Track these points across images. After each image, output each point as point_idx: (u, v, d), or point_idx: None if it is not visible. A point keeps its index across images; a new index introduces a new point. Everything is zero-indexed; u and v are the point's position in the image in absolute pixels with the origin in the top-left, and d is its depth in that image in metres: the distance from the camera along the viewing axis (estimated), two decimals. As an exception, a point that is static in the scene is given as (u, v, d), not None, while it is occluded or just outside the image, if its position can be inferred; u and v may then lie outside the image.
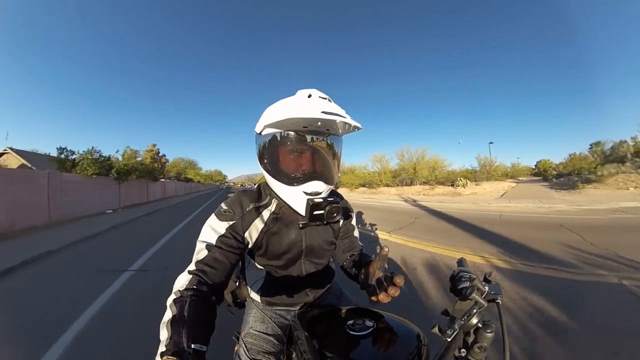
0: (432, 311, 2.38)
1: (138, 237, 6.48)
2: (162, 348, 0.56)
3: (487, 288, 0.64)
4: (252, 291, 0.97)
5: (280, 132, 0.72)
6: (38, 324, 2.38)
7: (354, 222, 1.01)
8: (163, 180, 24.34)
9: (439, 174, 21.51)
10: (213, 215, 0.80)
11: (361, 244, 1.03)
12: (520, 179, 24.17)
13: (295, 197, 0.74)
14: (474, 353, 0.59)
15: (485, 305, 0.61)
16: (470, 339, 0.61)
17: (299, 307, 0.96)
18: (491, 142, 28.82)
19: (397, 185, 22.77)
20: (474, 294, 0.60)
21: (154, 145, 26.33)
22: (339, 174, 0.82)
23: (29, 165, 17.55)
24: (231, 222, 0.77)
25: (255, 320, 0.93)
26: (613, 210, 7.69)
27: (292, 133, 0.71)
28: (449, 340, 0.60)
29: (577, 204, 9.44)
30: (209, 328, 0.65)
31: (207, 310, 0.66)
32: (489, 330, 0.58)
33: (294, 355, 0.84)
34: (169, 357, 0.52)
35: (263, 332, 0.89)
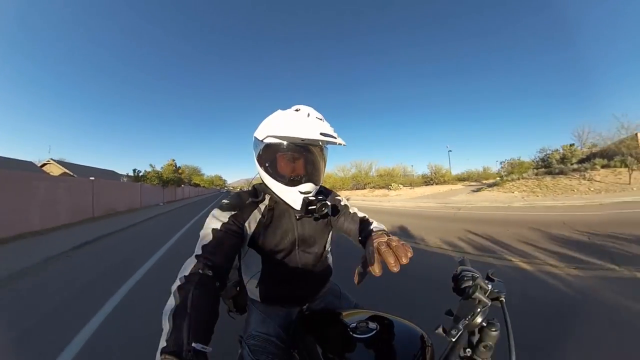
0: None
1: (184, 215, 12.66)
2: (162, 343, 0.57)
3: (490, 286, 0.63)
4: (250, 289, 0.97)
5: (281, 143, 0.84)
6: (160, 235, 7.29)
7: (344, 202, 1.07)
8: (183, 186, 34.84)
9: (387, 180, 28.83)
10: (216, 209, 0.88)
11: (363, 214, 1.03)
12: (482, 182, 25.53)
13: (292, 195, 0.87)
14: (480, 352, 0.58)
15: (489, 303, 0.60)
16: (475, 339, 0.60)
17: (298, 305, 0.96)
18: (450, 150, 35.82)
19: (352, 189, 30.54)
20: (477, 293, 0.59)
21: (173, 160, 33.04)
22: (323, 177, 0.96)
23: (71, 173, 23.75)
24: (233, 212, 0.86)
25: (256, 322, 0.93)
26: (459, 208, 11.07)
27: (292, 144, 0.84)
28: (454, 340, 0.60)
29: (460, 202, 12.66)
30: (212, 318, 0.67)
31: (210, 298, 0.69)
32: (493, 329, 0.57)
33: (297, 357, 0.83)
34: (167, 356, 0.53)
35: (265, 333, 0.89)
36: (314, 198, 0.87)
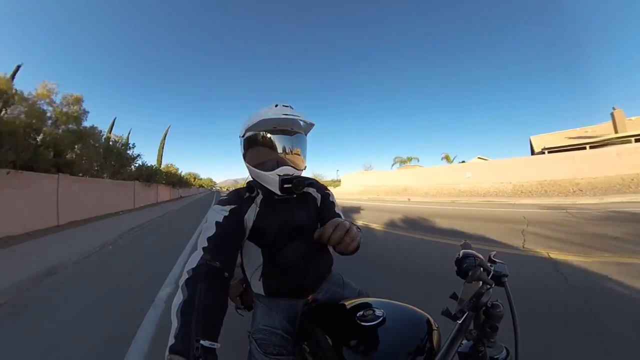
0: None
1: (198, 206, 16.58)
2: (171, 340, 0.57)
3: (492, 268, 0.64)
4: (253, 283, 0.98)
5: (257, 133, 0.91)
6: (190, 215, 12.29)
7: (332, 199, 1.11)
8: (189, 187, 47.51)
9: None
10: (216, 204, 0.92)
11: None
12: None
13: (271, 179, 0.90)
14: (486, 333, 0.60)
15: (493, 284, 0.61)
16: (481, 320, 0.61)
17: (302, 296, 0.97)
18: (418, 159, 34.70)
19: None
20: (480, 275, 0.60)
21: (173, 165, 36.14)
22: (305, 164, 1.00)
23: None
24: (233, 206, 0.89)
25: (262, 315, 0.94)
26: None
27: (265, 132, 0.90)
28: (460, 322, 0.61)
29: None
30: (221, 311, 0.68)
31: (218, 290, 0.70)
32: (498, 310, 0.58)
33: (306, 349, 0.84)
34: (173, 355, 0.54)
35: (271, 327, 0.90)
36: (289, 176, 0.89)
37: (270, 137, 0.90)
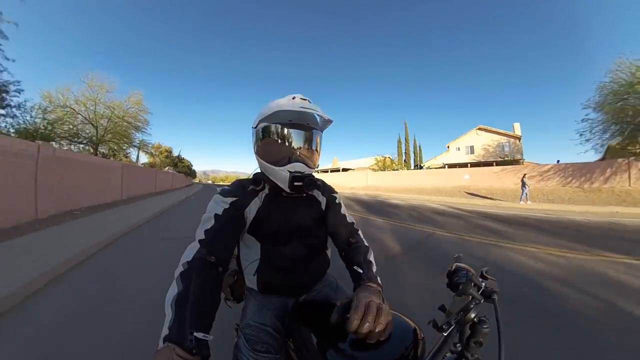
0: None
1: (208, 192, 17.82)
2: (165, 331, 0.59)
3: (483, 284, 0.64)
4: (248, 277, 0.99)
5: (270, 124, 0.87)
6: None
7: (338, 201, 1.08)
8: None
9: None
10: (217, 194, 0.90)
11: (356, 228, 1.08)
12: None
13: (281, 175, 0.86)
14: (470, 348, 0.60)
15: (482, 300, 0.61)
16: (466, 334, 0.61)
17: (295, 296, 0.97)
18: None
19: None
20: (470, 290, 0.60)
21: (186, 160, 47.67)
22: (318, 162, 0.95)
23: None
24: (234, 199, 0.87)
25: (253, 311, 0.94)
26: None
27: (280, 125, 0.86)
28: (445, 335, 0.61)
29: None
30: (214, 305, 0.69)
31: (212, 284, 0.72)
32: (485, 326, 0.59)
33: (292, 347, 0.84)
34: (169, 344, 0.56)
35: (261, 323, 0.90)
36: (300, 174, 0.86)
37: (284, 131, 0.86)
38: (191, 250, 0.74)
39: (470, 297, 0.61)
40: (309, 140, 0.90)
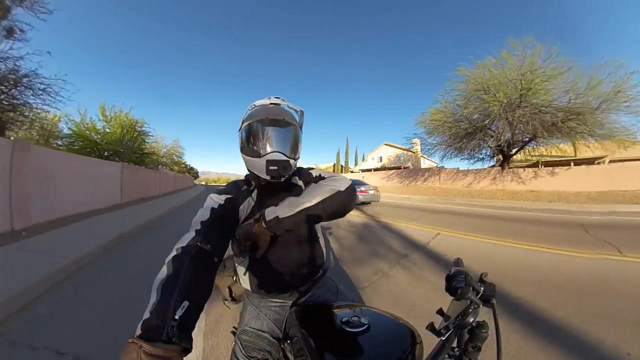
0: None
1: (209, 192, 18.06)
2: (146, 315, 0.54)
3: (482, 288, 0.64)
4: (241, 278, 0.98)
5: (250, 123, 0.93)
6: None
7: (315, 173, 1.07)
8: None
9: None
10: (213, 193, 0.93)
11: (324, 176, 1.04)
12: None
13: (259, 164, 0.90)
14: (468, 353, 0.59)
15: (480, 305, 0.61)
16: (465, 339, 0.61)
17: (291, 295, 0.97)
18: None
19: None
20: (469, 294, 0.60)
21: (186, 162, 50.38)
22: (298, 155, 0.98)
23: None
24: (229, 196, 0.91)
25: (250, 317, 0.94)
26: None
27: (259, 123, 0.92)
28: (443, 339, 0.61)
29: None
30: (204, 294, 0.64)
31: (205, 273, 0.67)
32: (483, 330, 0.58)
33: (289, 352, 0.84)
34: (135, 340, 0.49)
35: (258, 329, 0.90)
36: (275, 159, 0.89)
37: (261, 128, 0.91)
38: (186, 237, 0.72)
39: (469, 301, 0.60)
40: (285, 134, 0.94)
